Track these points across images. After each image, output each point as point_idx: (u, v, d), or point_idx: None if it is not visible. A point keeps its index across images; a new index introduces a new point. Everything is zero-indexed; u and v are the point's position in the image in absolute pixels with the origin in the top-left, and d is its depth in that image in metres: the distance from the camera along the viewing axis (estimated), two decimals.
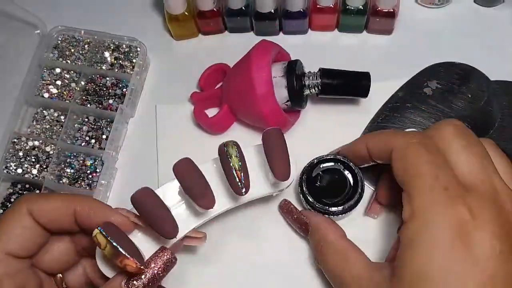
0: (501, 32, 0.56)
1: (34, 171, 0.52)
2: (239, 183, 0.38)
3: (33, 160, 0.52)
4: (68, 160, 0.52)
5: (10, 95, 0.55)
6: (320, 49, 0.57)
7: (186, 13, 0.55)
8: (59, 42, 0.57)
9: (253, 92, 0.47)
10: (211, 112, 0.53)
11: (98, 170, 0.52)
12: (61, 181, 0.51)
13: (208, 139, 0.53)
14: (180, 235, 0.39)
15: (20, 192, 0.52)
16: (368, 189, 0.48)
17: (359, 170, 0.46)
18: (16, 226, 0.36)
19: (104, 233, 0.35)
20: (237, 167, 0.38)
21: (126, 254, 0.34)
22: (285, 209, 0.47)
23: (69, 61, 0.56)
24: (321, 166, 0.46)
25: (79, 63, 0.56)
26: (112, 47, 0.56)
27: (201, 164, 0.40)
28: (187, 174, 0.38)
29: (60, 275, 0.40)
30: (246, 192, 0.39)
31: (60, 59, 0.56)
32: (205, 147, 0.52)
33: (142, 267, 0.35)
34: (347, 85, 0.49)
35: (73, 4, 0.62)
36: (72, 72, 0.56)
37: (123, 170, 0.53)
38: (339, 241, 0.42)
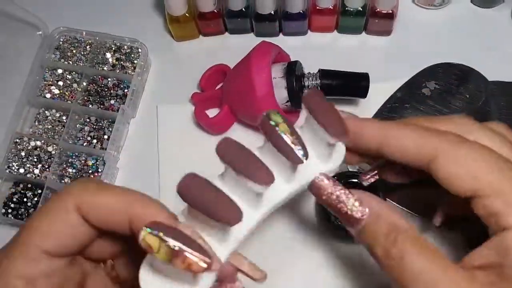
0: (499, 33, 0.57)
1: (36, 171, 0.53)
2: (295, 147, 0.30)
3: (35, 160, 0.53)
4: (70, 160, 0.53)
5: (12, 95, 0.56)
6: (319, 50, 0.57)
7: (187, 14, 0.55)
8: (61, 43, 0.57)
9: (253, 92, 0.47)
10: (212, 112, 0.53)
11: (99, 170, 0.52)
12: (63, 181, 0.52)
13: (208, 139, 0.53)
14: (239, 235, 0.31)
15: (22, 192, 0.52)
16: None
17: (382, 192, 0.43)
18: (58, 222, 0.30)
19: (154, 232, 0.27)
20: (287, 132, 0.31)
21: (188, 249, 0.27)
22: (317, 186, 0.32)
23: (70, 62, 0.57)
24: (342, 182, 0.40)
25: (81, 64, 0.56)
26: (113, 48, 0.57)
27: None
28: (236, 153, 0.30)
29: (111, 261, 0.34)
30: (306, 156, 0.30)
31: (62, 60, 0.57)
32: (206, 147, 0.52)
33: (210, 261, 0.27)
34: (346, 86, 0.50)
35: (74, 5, 0.62)
36: (74, 73, 0.57)
37: (125, 170, 0.54)
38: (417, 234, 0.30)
